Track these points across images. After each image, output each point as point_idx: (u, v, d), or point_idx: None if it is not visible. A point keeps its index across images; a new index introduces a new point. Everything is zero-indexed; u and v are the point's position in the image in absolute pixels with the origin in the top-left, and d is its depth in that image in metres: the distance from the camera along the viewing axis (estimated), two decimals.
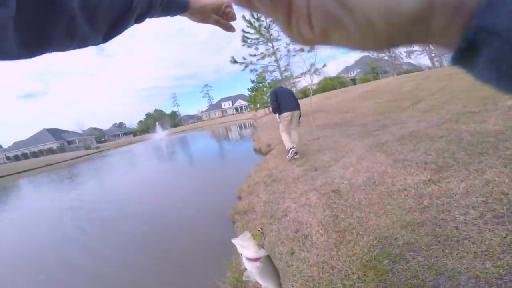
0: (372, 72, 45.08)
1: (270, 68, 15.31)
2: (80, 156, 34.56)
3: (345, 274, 1.78)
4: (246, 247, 0.67)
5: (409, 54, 37.63)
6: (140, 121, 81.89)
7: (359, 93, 15.85)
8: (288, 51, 14.32)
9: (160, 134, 47.48)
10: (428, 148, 3.49)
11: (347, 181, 3.27)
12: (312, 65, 8.14)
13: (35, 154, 42.61)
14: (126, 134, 74.32)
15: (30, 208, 8.83)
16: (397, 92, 10.98)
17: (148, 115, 79.98)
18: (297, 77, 16.43)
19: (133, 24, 0.48)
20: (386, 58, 38.35)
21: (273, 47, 14.53)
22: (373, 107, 9.21)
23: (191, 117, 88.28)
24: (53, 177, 16.91)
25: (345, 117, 8.94)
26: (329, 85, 40.74)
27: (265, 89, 28.50)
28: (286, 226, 2.68)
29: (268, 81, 27.51)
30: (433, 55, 33.85)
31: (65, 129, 56.48)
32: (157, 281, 2.78)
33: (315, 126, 6.81)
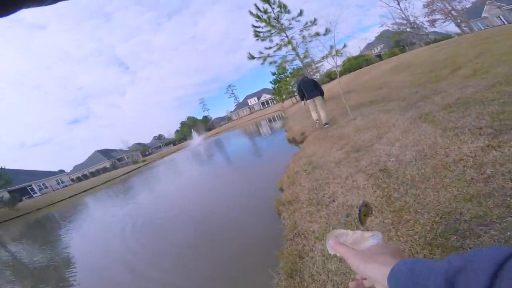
0: (397, 46, 41.50)
1: (289, 57, 14.90)
2: (131, 171, 37.82)
3: (408, 254, 1.65)
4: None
5: (432, 23, 33.88)
6: (177, 130, 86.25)
7: (390, 68, 14.72)
8: (304, 37, 13.80)
9: (196, 140, 49.52)
10: (480, 112, 3.13)
11: (395, 158, 3.06)
12: (331, 47, 7.75)
13: (93, 174, 47.86)
14: (166, 144, 79.07)
15: (96, 222, 10.01)
16: (430, 61, 9.96)
17: (183, 124, 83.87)
18: (319, 61, 15.83)
19: None
20: (408, 30, 34.88)
21: (287, 36, 14.10)
22: (408, 79, 8.51)
23: (222, 118, 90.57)
24: (110, 193, 18.80)
25: (379, 94, 8.40)
26: (354, 64, 38.49)
27: (287, 79, 28.01)
28: (336, 211, 2.65)
29: (290, 70, 26.93)
30: (459, 21, 29.91)
31: (113, 148, 62.29)
32: (215, 276, 2.97)
33: (349, 106, 6.53)
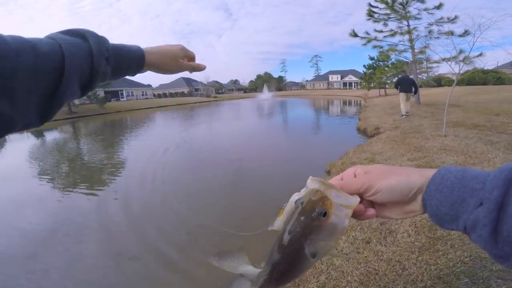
0: None
1: (400, 47, 12.84)
2: (201, 102, 41.57)
3: (413, 279, 1.67)
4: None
5: None
6: (251, 81, 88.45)
7: None
8: (430, 32, 11.49)
9: (265, 95, 50.20)
10: None
11: None
12: (461, 51, 6.30)
13: (171, 95, 54.40)
14: (238, 90, 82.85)
15: (158, 133, 11.67)
16: None
17: (259, 76, 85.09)
18: (435, 61, 13.25)
19: (81, 94, 0.45)
20: None
21: (408, 25, 11.98)
22: None
23: (295, 84, 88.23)
24: (179, 113, 21.25)
25: (492, 120, 6.86)
26: (478, 78, 31.14)
27: (386, 68, 24.73)
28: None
29: (393, 60, 23.55)
30: None
31: (195, 79, 68.11)
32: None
33: (446, 121, 5.59)
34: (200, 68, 0.68)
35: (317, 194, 0.34)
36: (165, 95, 54.22)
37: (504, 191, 0.27)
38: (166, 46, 0.60)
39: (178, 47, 0.61)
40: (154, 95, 54.40)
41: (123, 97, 45.64)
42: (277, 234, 0.36)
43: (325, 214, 0.33)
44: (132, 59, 0.53)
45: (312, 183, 0.36)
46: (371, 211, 0.37)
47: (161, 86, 68.35)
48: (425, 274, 1.70)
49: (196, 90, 63.08)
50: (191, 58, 0.66)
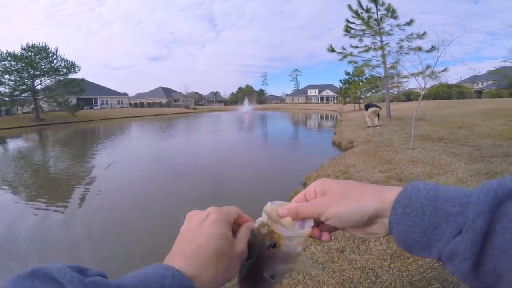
0: (510, 88, 34.75)
1: (373, 62, 13.69)
2: (180, 113, 40.86)
3: (386, 286, 1.72)
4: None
5: None
6: (232, 93, 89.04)
7: (484, 109, 12.74)
8: (401, 47, 12.43)
9: (246, 108, 50.57)
10: None
11: None
12: (428, 66, 6.83)
13: (149, 105, 52.96)
14: (219, 101, 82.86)
15: (133, 145, 11.26)
16: None
17: (240, 89, 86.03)
18: (405, 76, 14.23)
19: None
20: None
21: (381, 41, 12.89)
22: (498, 129, 7.29)
23: (275, 97, 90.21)
24: (155, 125, 20.69)
25: (455, 133, 7.42)
26: (443, 92, 33.88)
27: (360, 83, 26.11)
28: None
29: (367, 75, 24.98)
30: None
31: (175, 89, 67.16)
32: None
33: (414, 134, 5.94)
34: None
35: (265, 227, 0.35)
36: (142, 105, 52.71)
37: (489, 218, 0.24)
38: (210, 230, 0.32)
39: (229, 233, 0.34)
40: (130, 104, 52.74)
41: (97, 105, 43.70)
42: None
43: (274, 246, 0.34)
44: None
45: (264, 214, 0.36)
46: (325, 236, 0.36)
47: (139, 95, 66.55)
48: (397, 281, 1.75)
49: (175, 100, 62.09)
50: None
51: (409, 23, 11.96)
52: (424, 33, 10.73)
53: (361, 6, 12.49)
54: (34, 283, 0.21)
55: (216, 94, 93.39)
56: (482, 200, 0.24)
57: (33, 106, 25.46)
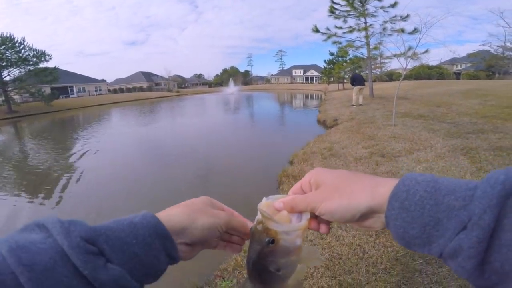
0: (487, 70, 35.99)
1: (357, 43, 13.68)
2: (162, 97, 39.58)
3: (373, 261, 1.81)
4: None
5: None
6: (217, 75, 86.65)
7: (462, 90, 13.23)
8: (384, 29, 12.43)
9: (231, 89, 49.60)
10: None
11: None
12: (410, 48, 6.92)
13: (129, 90, 50.77)
14: (203, 84, 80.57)
15: (116, 131, 10.93)
16: None
17: (224, 71, 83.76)
18: (387, 57, 14.36)
19: None
20: None
21: (365, 22, 12.81)
22: (474, 108, 7.64)
23: (261, 78, 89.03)
24: (136, 110, 20.01)
25: (434, 111, 7.72)
26: (424, 73, 34.65)
27: (344, 64, 26.17)
28: None
29: (350, 56, 25.00)
30: None
31: (155, 73, 64.37)
32: None
33: (396, 112, 6.13)
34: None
35: (260, 224, 0.35)
36: (121, 90, 50.40)
37: (497, 213, 0.22)
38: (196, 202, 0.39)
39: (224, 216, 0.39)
40: (109, 90, 50.30)
41: (73, 94, 41.45)
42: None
43: (273, 242, 0.34)
44: (149, 241, 0.30)
45: (259, 212, 0.36)
46: (323, 228, 0.36)
47: (117, 81, 63.43)
48: (383, 256, 1.85)
49: (157, 84, 59.84)
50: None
51: (393, 5, 11.90)
52: (408, 16, 10.76)
53: None
54: (34, 228, 0.27)
55: (199, 76, 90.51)
56: (489, 194, 0.22)
57: (3, 98, 23.84)
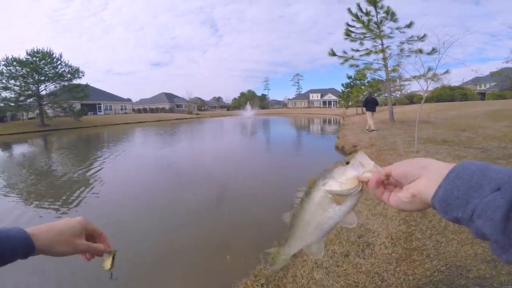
0: None
1: (375, 66, 13.68)
2: (183, 118, 41.11)
3: None
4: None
5: None
6: (234, 98, 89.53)
7: (488, 111, 12.62)
8: (401, 50, 12.41)
9: (248, 113, 50.71)
10: None
11: None
12: (429, 68, 6.78)
13: (152, 110, 53.40)
14: (221, 107, 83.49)
15: (137, 150, 11.30)
16: None
17: (242, 94, 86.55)
18: (406, 79, 14.20)
19: None
20: None
21: (382, 44, 12.89)
22: (503, 130, 7.20)
23: (278, 102, 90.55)
24: (157, 131, 20.78)
25: (459, 136, 7.34)
26: (447, 95, 33.70)
27: (363, 87, 26.10)
28: (350, 229, 2.55)
29: (368, 79, 24.97)
30: None
31: (177, 94, 67.74)
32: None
33: (418, 137, 5.89)
34: (99, 251, 0.56)
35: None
36: (145, 110, 53.12)
37: None
38: (60, 223, 0.50)
39: (76, 221, 0.52)
40: (133, 109, 53.16)
41: (100, 111, 44.10)
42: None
43: (348, 163, 0.45)
44: (12, 249, 0.43)
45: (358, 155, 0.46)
46: (386, 194, 0.43)
47: (142, 101, 67.22)
48: (404, 284, 1.71)
49: (178, 106, 62.52)
50: (92, 233, 0.55)
51: (409, 25, 11.96)
52: (425, 35, 10.74)
53: (360, 9, 12.53)
54: None
55: (218, 99, 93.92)
56: None
57: (38, 111, 25.73)
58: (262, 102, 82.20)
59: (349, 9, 12.83)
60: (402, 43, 12.11)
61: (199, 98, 79.34)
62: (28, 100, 25.36)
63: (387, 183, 0.43)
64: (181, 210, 4.14)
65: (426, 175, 0.36)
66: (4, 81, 23.64)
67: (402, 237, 2.27)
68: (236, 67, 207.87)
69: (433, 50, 9.30)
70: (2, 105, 24.13)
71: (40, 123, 24.82)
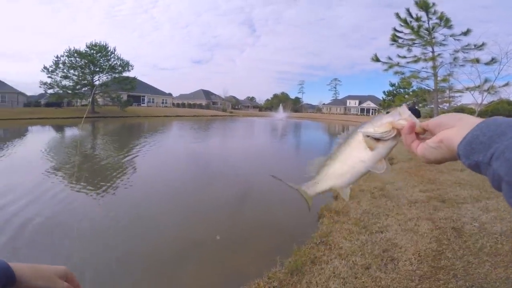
0: None
1: (423, 74, 12.68)
2: (217, 116, 42.49)
3: None
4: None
5: None
6: (267, 99, 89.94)
7: None
8: (455, 59, 11.29)
9: (280, 115, 50.55)
10: None
11: (479, 224, 2.65)
12: (486, 80, 6.08)
13: (190, 106, 56.11)
14: (254, 107, 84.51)
15: (171, 142, 11.91)
16: None
17: (275, 96, 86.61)
18: (458, 90, 12.93)
19: None
20: None
21: (433, 51, 11.88)
22: None
23: (311, 106, 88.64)
24: (194, 126, 21.68)
25: None
26: (504, 109, 30.10)
27: (406, 96, 24.47)
28: (376, 242, 2.44)
29: (414, 88, 23.32)
30: None
31: (214, 92, 70.31)
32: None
33: None
34: None
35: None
36: (183, 105, 55.90)
37: None
38: (42, 264, 0.52)
39: (59, 267, 0.53)
40: (173, 104, 56.25)
41: (144, 103, 47.35)
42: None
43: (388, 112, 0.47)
44: None
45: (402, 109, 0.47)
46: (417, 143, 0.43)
47: (181, 96, 70.72)
48: None
49: (214, 103, 64.67)
50: (71, 282, 0.55)
51: (466, 33, 10.85)
52: (483, 44, 9.66)
53: (410, 14, 11.72)
54: None
55: (252, 99, 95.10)
56: None
57: (90, 99, 28.60)
58: (295, 105, 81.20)
59: (397, 14, 12.09)
60: (456, 51, 11.03)
61: (234, 97, 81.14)
62: (83, 89, 28.29)
63: (422, 138, 0.44)
64: (203, 203, 4.27)
65: (459, 125, 0.37)
66: (65, 70, 26.69)
67: (430, 255, 2.14)
68: (271, 68, 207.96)
69: (493, 60, 8.36)
70: (61, 92, 27.25)
71: (91, 110, 27.46)
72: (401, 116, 0.46)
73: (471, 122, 0.36)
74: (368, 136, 0.47)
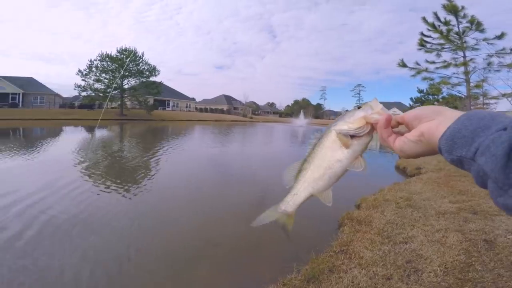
0: None
1: (454, 80, 11.97)
2: (238, 121, 43.05)
3: None
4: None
5: None
6: (288, 105, 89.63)
7: None
8: (489, 64, 10.54)
9: (301, 121, 50.02)
10: None
11: None
12: None
13: (212, 111, 57.47)
14: (274, 113, 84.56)
15: (193, 145, 12.20)
16: None
17: (296, 102, 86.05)
18: (493, 97, 12.06)
19: None
20: None
21: (464, 56, 11.17)
22: None
23: (334, 113, 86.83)
24: (214, 130, 22.12)
25: None
26: None
27: (436, 103, 23.24)
28: (399, 253, 2.32)
29: (444, 94, 22.08)
30: None
31: (235, 97, 71.42)
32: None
33: None
34: None
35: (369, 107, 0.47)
36: (206, 110, 57.37)
37: None
38: None
39: None
40: (196, 108, 57.95)
41: (169, 107, 49.24)
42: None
43: (359, 107, 0.46)
44: None
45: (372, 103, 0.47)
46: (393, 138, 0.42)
47: (204, 101, 72.63)
48: None
49: (235, 108, 65.64)
50: None
51: (500, 36, 10.14)
52: None
53: (438, 18, 11.18)
54: None
55: (272, 105, 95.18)
56: None
57: (119, 102, 30.28)
58: (316, 111, 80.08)
59: (423, 18, 11.59)
60: (490, 56, 10.35)
61: (254, 102, 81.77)
62: (114, 92, 30.04)
63: (397, 131, 0.43)
64: (221, 206, 4.31)
65: (439, 118, 0.35)
66: (97, 74, 28.52)
67: (457, 267, 2.02)
68: (291, 74, 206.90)
69: None
70: (94, 94, 29.10)
71: (120, 113, 29.05)
72: (374, 110, 0.44)
73: (452, 115, 0.35)
74: (341, 133, 0.46)
